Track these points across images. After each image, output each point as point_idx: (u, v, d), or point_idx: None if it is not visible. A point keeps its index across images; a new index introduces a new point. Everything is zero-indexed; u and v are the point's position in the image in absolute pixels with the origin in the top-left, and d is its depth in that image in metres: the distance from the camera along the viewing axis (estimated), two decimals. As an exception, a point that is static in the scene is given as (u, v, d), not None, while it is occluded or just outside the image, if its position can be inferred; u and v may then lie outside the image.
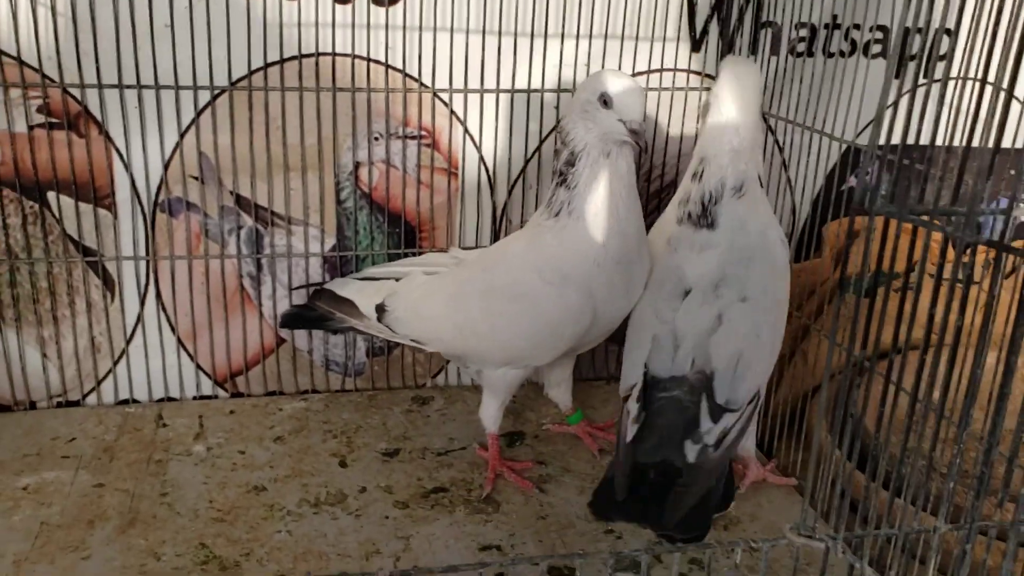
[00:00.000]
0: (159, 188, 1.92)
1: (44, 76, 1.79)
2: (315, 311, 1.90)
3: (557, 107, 2.02)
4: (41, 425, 1.90)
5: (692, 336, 1.56)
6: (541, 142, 2.04)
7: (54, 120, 1.82)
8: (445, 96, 1.97)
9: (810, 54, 2.08)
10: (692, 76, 2.10)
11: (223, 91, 1.87)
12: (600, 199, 1.55)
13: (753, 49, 2.06)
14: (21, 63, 1.76)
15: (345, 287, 1.89)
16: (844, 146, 1.94)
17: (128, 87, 1.82)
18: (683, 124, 2.12)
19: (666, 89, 2.08)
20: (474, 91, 1.97)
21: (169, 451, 1.83)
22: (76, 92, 1.82)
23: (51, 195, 1.87)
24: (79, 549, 1.53)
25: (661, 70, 2.07)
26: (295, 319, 1.95)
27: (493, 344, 1.69)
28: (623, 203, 1.55)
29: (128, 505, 1.65)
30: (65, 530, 1.58)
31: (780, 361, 1.77)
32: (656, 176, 2.16)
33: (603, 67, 2.02)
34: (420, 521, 1.65)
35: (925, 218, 0.87)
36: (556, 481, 1.78)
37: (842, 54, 2.09)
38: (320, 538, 1.58)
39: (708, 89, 2.11)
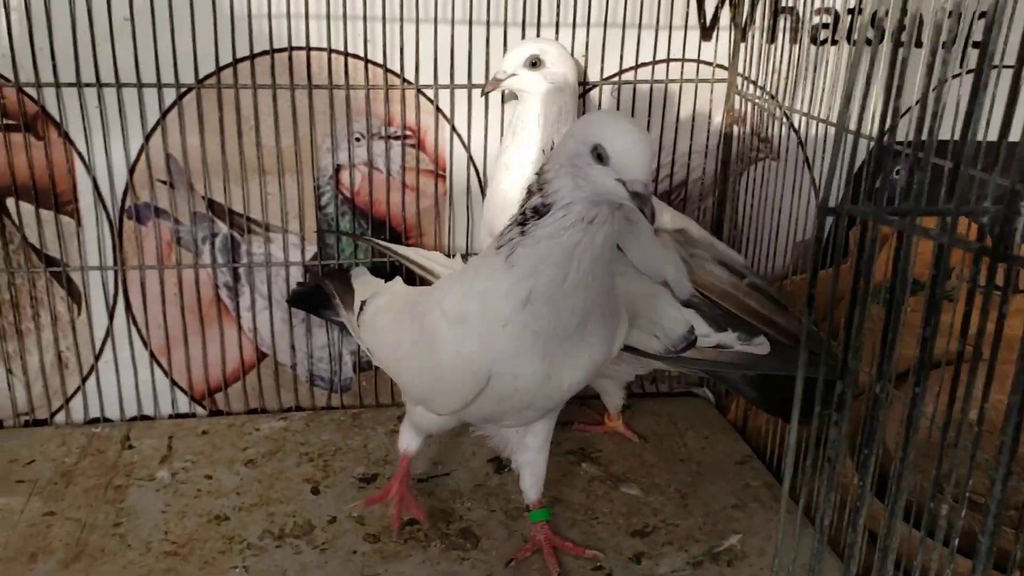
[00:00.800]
0: (125, 193, 1.80)
1: (-2, 75, 1.68)
2: (323, 292, 1.80)
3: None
4: (2, 446, 1.79)
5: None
6: (536, 141, 1.89)
7: (10, 122, 1.71)
8: (430, 92, 1.83)
9: (833, 42, 1.89)
10: (702, 67, 1.92)
11: (190, 89, 1.74)
12: (549, 264, 1.21)
13: (771, 37, 1.88)
14: (-27, 61, 1.66)
15: (359, 276, 1.81)
16: (871, 143, 1.75)
17: (87, 85, 1.70)
18: (693, 120, 1.95)
19: (673, 81, 1.91)
20: (461, 87, 1.82)
21: (131, 476, 1.71)
22: (32, 91, 1.70)
23: (10, 201, 1.76)
24: (15, 589, 1.41)
25: (668, 60, 1.90)
26: (300, 297, 1.89)
27: (400, 378, 1.52)
28: (576, 277, 1.22)
29: (76, 536, 1.53)
30: (4, 564, 1.46)
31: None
32: (664, 177, 1.99)
33: (602, 60, 1.86)
34: (390, 558, 1.50)
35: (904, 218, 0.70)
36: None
37: (868, 42, 1.90)
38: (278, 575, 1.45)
39: (721, 81, 1.94)
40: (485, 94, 1.78)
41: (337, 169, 1.84)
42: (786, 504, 0.91)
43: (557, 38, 1.80)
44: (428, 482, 1.71)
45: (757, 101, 1.89)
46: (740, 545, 1.55)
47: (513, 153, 1.68)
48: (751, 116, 1.94)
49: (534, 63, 1.66)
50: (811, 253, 1.35)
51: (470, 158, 1.88)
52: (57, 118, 1.72)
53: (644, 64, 1.88)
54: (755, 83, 1.90)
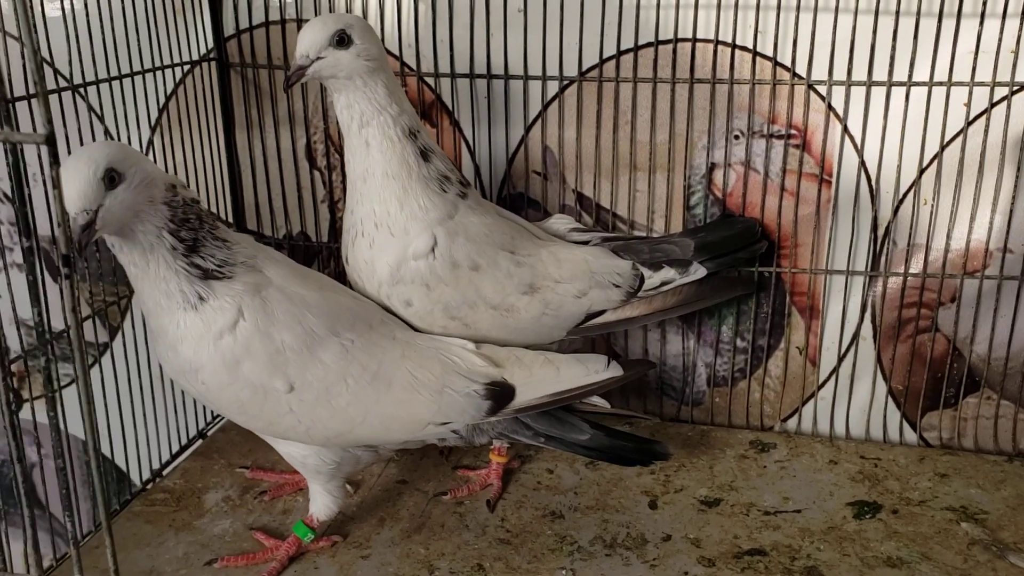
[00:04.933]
0: (503, 183, 1.84)
1: (403, 64, 1.79)
2: None
3: (968, 104, 1.60)
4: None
5: None
6: (942, 148, 1.63)
7: (409, 109, 1.82)
8: (822, 89, 1.65)
9: None
10: None
11: (572, 81, 1.74)
12: None
13: None
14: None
15: None
16: None
17: (479, 76, 1.76)
18: None
19: None
20: (859, 83, 1.62)
21: (479, 458, 1.74)
22: (431, 81, 1.80)
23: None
24: (362, 547, 1.49)
25: None
26: None
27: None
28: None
29: (422, 508, 1.59)
30: (355, 523, 1.55)
31: None
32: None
33: (1041, 53, 1.56)
34: (723, 588, 1.37)
35: None
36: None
37: None
38: (604, 586, 1.38)
39: None
40: (288, 88, 1.46)
41: (711, 168, 1.74)
42: None
43: (981, 31, 1.54)
44: (776, 515, 1.55)
45: None
46: None
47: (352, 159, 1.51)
48: None
49: (341, 40, 1.41)
50: None
51: (862, 163, 1.68)
52: (450, 107, 1.81)
53: (1096, 64, 1.55)
54: None
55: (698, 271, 1.61)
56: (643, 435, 1.66)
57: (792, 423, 1.85)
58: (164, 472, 1.73)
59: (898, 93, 1.62)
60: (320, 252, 1.96)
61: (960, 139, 1.62)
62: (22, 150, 0.65)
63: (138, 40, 1.65)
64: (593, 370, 1.49)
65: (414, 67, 1.79)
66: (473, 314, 1.52)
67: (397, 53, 1.78)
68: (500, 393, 1.42)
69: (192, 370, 1.32)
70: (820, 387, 1.82)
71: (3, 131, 0.60)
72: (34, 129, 1.40)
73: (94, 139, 1.54)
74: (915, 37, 1.57)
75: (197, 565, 1.44)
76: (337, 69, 1.43)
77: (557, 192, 1.82)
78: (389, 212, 1.48)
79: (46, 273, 1.97)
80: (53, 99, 1.44)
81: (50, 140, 0.58)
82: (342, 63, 1.42)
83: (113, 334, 1.95)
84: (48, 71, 1.52)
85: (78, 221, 1.15)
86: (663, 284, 1.60)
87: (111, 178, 1.18)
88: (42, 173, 1.59)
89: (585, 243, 1.65)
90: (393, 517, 1.56)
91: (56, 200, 0.60)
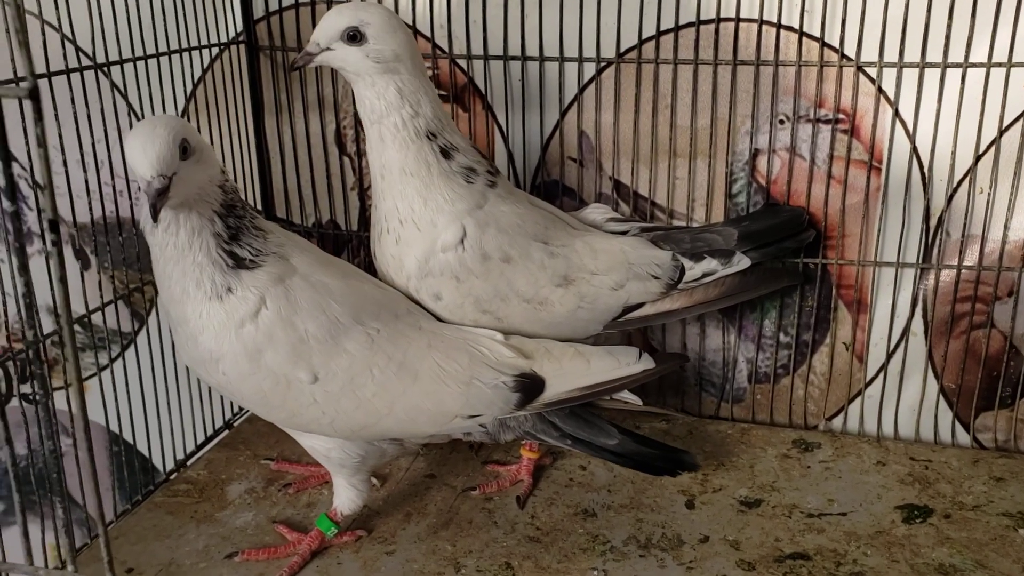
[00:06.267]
0: (537, 169, 1.78)
1: (435, 46, 1.74)
2: None
3: (1032, 86, 1.51)
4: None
5: None
6: (1000, 133, 1.54)
7: (442, 92, 1.77)
8: (872, 71, 1.57)
9: None
10: None
11: (609, 63, 1.68)
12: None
13: None
14: (416, 32, 1.73)
15: None
16: None
17: (512, 59, 1.71)
18: None
19: None
20: (911, 65, 1.54)
21: (510, 452, 1.68)
22: (463, 63, 1.74)
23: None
24: (387, 542, 1.44)
25: None
26: None
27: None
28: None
29: (450, 504, 1.53)
30: (382, 518, 1.50)
31: None
32: None
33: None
34: (764, 594, 1.30)
35: None
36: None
37: None
38: (637, 587, 1.32)
39: None
40: (294, 70, 1.45)
41: (754, 154, 1.67)
42: None
43: (1053, 11, 1.45)
44: (820, 518, 1.47)
45: None
46: None
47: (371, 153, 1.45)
48: None
49: (352, 36, 1.35)
50: None
51: (914, 149, 1.59)
52: (483, 90, 1.75)
53: None
54: None
55: (741, 261, 1.54)
56: (673, 441, 1.60)
57: (837, 422, 1.77)
58: (188, 462, 1.70)
59: (953, 75, 1.53)
60: (350, 240, 1.92)
61: (1020, 124, 1.53)
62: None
63: (164, 21, 1.62)
64: (624, 363, 1.43)
65: (446, 49, 1.74)
66: (505, 307, 1.46)
67: (428, 34, 1.73)
68: (530, 385, 1.37)
69: (213, 360, 1.27)
70: (867, 385, 1.74)
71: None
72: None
73: (118, 120, 1.50)
74: (972, 15, 1.49)
75: (217, 558, 1.40)
76: (345, 64, 1.39)
77: (593, 179, 1.76)
78: (413, 208, 1.43)
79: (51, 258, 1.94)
80: (75, 78, 1.41)
81: (33, 94, 0.53)
82: (349, 60, 1.38)
83: (140, 323, 1.92)
84: (70, 48, 1.48)
85: (154, 185, 1.13)
86: (705, 275, 1.53)
87: (183, 148, 1.17)
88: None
89: (623, 233, 1.58)
90: (420, 512, 1.51)
91: (41, 160, 0.54)
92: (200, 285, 1.24)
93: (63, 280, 0.56)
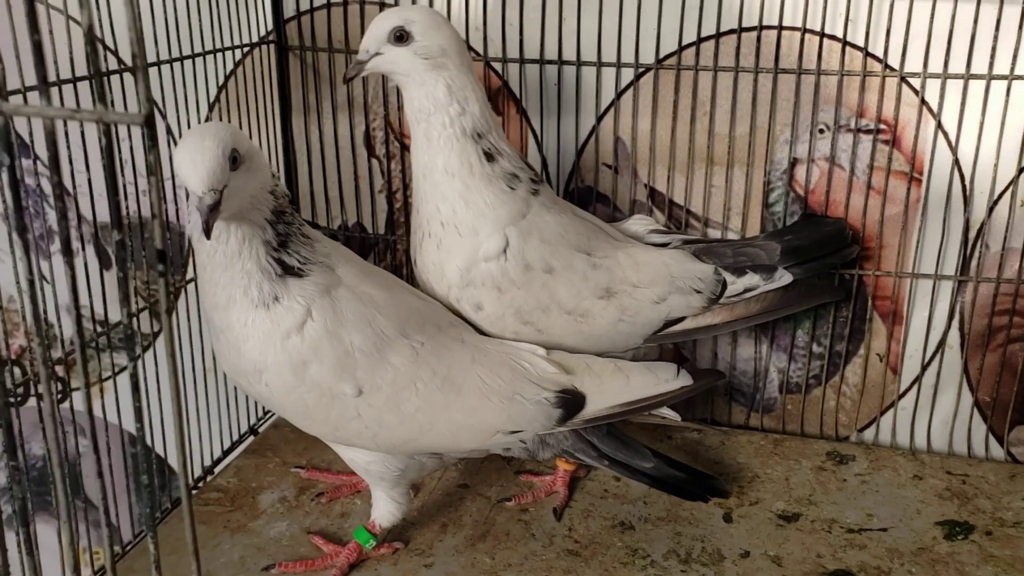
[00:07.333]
0: (571, 176, 1.76)
1: (470, 49, 1.71)
2: None
3: (1079, 100, 1.50)
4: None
5: None
6: (1048, 146, 1.54)
7: (474, 96, 1.74)
8: (916, 82, 1.56)
9: None
10: None
11: (648, 69, 1.65)
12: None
13: None
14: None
15: None
16: None
17: (548, 63, 1.68)
18: None
19: None
20: (956, 76, 1.53)
21: (544, 463, 1.67)
22: (498, 66, 1.72)
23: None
24: (425, 554, 1.42)
25: None
26: None
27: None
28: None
29: (485, 515, 1.51)
30: (417, 529, 1.48)
31: None
32: None
33: None
34: (810, 612, 1.29)
35: None
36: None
37: None
38: (681, 605, 1.30)
39: None
40: (347, 81, 1.46)
41: (793, 163, 1.65)
42: None
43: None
44: (860, 534, 1.46)
45: None
46: None
47: (415, 154, 1.44)
48: None
49: (399, 36, 1.35)
50: None
51: (956, 161, 1.58)
52: (517, 94, 1.73)
53: None
54: None
55: (784, 277, 1.52)
56: (707, 451, 1.59)
57: (869, 433, 1.76)
58: (215, 470, 1.67)
59: (998, 87, 1.52)
60: (376, 244, 1.89)
61: (1068, 140, 1.52)
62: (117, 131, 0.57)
63: (198, 21, 1.59)
64: (663, 379, 1.42)
65: (481, 52, 1.71)
66: (546, 319, 1.44)
67: (463, 37, 1.70)
68: (571, 401, 1.35)
69: (256, 371, 1.25)
70: (901, 396, 1.73)
71: (96, 109, 0.52)
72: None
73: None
74: (1021, 28, 1.47)
75: (254, 570, 1.38)
76: (395, 66, 1.38)
77: (628, 186, 1.74)
78: (455, 211, 1.41)
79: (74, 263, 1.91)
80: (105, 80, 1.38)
81: (149, 121, 0.51)
82: (399, 60, 1.37)
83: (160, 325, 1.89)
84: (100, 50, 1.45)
85: (205, 201, 1.10)
86: (746, 291, 1.52)
87: (233, 158, 1.14)
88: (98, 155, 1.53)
89: (664, 245, 1.56)
90: (456, 523, 1.49)
91: (154, 189, 0.52)
92: (247, 292, 1.22)
93: (169, 310, 0.53)
